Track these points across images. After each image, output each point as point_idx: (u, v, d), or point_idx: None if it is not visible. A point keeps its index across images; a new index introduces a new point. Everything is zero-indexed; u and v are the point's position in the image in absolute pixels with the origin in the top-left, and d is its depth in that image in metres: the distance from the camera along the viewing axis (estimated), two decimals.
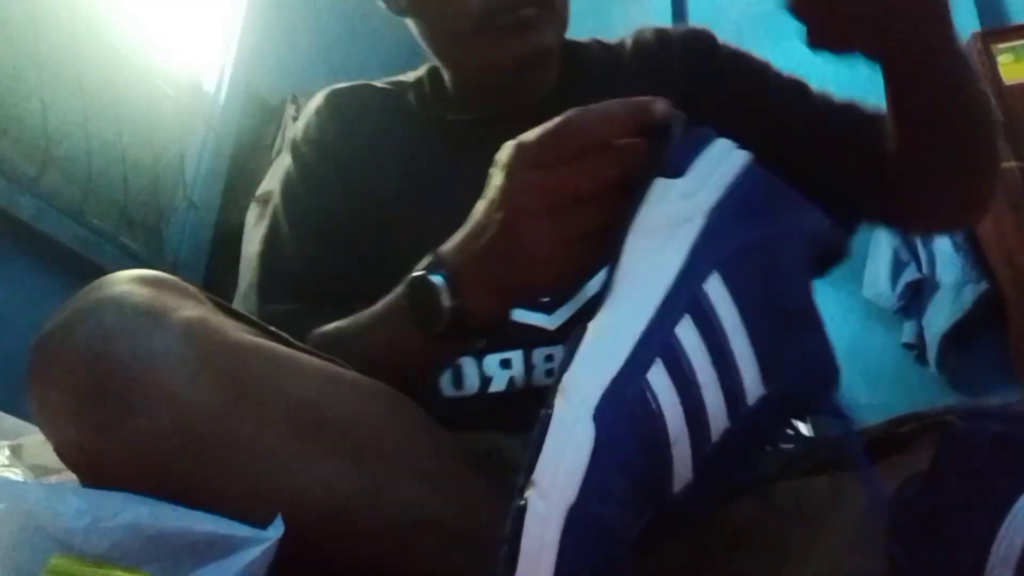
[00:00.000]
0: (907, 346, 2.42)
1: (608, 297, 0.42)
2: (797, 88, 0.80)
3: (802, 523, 0.43)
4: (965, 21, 2.42)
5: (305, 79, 2.37)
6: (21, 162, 1.51)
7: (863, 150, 0.73)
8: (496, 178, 0.50)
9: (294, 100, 2.25)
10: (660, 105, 0.47)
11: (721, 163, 0.45)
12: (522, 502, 0.35)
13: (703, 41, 0.83)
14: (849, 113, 0.77)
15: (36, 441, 0.64)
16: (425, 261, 0.54)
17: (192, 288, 0.49)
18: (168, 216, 1.92)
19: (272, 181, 2.10)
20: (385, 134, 0.83)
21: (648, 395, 0.36)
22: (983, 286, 2.27)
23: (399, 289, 0.57)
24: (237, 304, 2.19)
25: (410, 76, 0.89)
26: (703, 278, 0.40)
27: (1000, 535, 0.31)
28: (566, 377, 0.39)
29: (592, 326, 0.41)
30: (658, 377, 0.37)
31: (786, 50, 0.78)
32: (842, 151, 0.74)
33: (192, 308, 0.46)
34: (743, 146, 0.47)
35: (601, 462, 0.35)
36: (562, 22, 0.75)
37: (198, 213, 1.97)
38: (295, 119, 2.21)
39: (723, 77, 0.80)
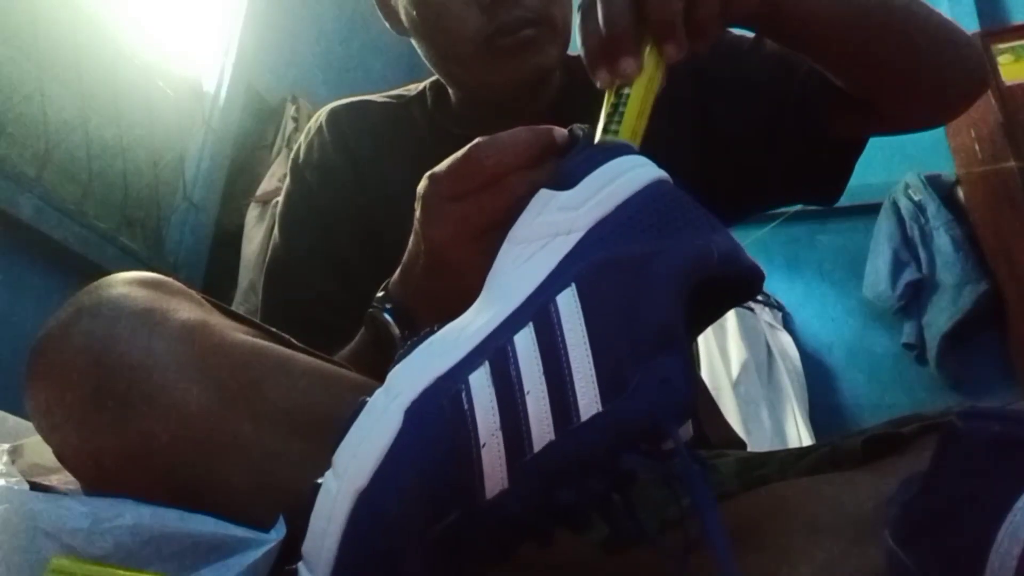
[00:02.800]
0: (907, 346, 2.42)
1: (475, 301, 0.43)
2: (767, 52, 0.76)
3: (802, 523, 0.43)
4: (965, 21, 2.42)
5: (305, 79, 2.37)
6: (21, 162, 1.51)
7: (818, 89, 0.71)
8: (416, 211, 0.52)
9: (294, 100, 2.25)
10: (559, 130, 0.49)
11: (617, 179, 0.45)
12: (320, 481, 0.36)
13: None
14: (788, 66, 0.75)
15: (37, 441, 0.64)
16: (379, 294, 0.58)
17: (190, 290, 0.50)
18: (168, 216, 1.92)
19: (272, 181, 2.10)
20: (391, 151, 0.82)
21: (463, 395, 0.36)
22: (983, 286, 2.28)
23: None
24: (237, 304, 2.17)
25: (412, 89, 0.88)
26: (559, 289, 0.40)
27: (1000, 535, 0.31)
28: (395, 370, 0.39)
29: (447, 326, 0.41)
30: (479, 378, 0.37)
31: None
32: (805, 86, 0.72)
33: (190, 310, 0.46)
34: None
35: (399, 454, 0.35)
36: (564, 38, 0.74)
37: (198, 213, 1.97)
38: (295, 119, 2.21)
39: (704, 73, 0.77)
